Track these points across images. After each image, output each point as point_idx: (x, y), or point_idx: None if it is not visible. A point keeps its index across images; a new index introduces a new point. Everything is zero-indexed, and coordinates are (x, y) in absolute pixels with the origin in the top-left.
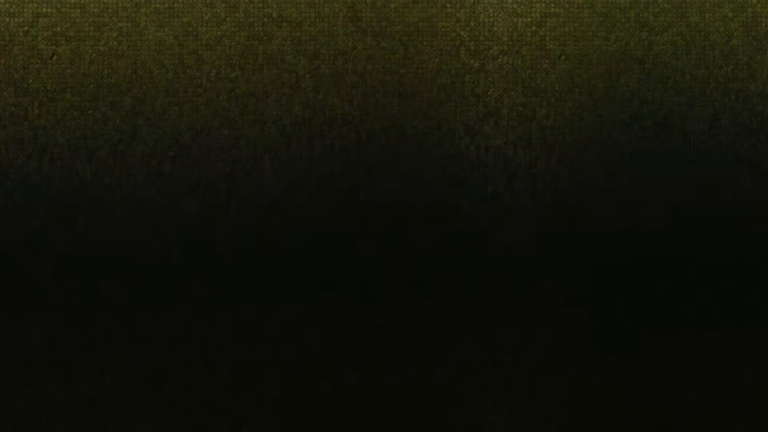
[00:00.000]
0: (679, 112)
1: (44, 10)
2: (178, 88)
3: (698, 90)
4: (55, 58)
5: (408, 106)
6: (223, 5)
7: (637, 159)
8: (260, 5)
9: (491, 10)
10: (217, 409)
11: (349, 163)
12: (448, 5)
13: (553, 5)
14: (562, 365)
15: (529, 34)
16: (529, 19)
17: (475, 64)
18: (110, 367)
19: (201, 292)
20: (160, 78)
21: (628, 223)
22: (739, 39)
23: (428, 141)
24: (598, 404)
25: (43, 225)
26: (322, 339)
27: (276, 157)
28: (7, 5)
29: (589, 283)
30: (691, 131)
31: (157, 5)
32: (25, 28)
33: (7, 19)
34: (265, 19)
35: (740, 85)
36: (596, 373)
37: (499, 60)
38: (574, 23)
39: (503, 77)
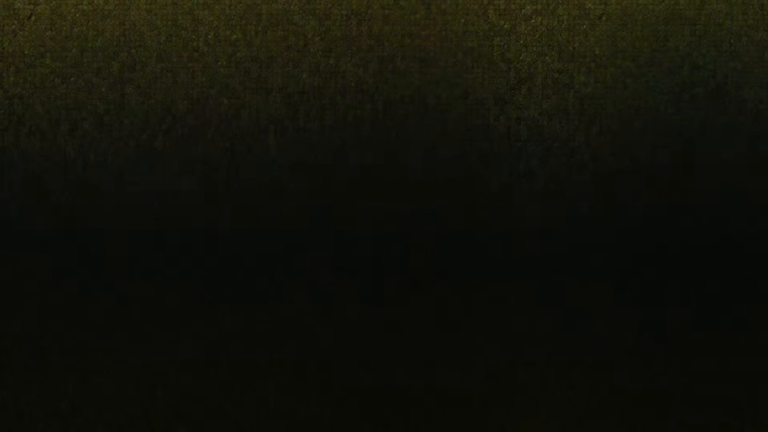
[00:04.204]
0: (735, 79)
1: None
2: (172, 53)
3: (756, 54)
4: (33, 18)
5: (430, 72)
6: None
7: (688, 132)
8: None
9: None
10: (216, 415)
11: (363, 137)
12: None
13: None
14: (602, 365)
15: None
16: None
17: (506, 26)
18: (96, 367)
19: (198, 283)
20: (152, 41)
21: (677, 204)
22: None
23: (453, 112)
24: (643, 409)
25: (20, 206)
26: (332, 336)
27: (282, 130)
28: None
29: (634, 272)
30: (748, 100)
31: None
32: None
33: None
34: None
35: None
36: (641, 374)
37: (533, 21)
38: None
39: (537, 40)
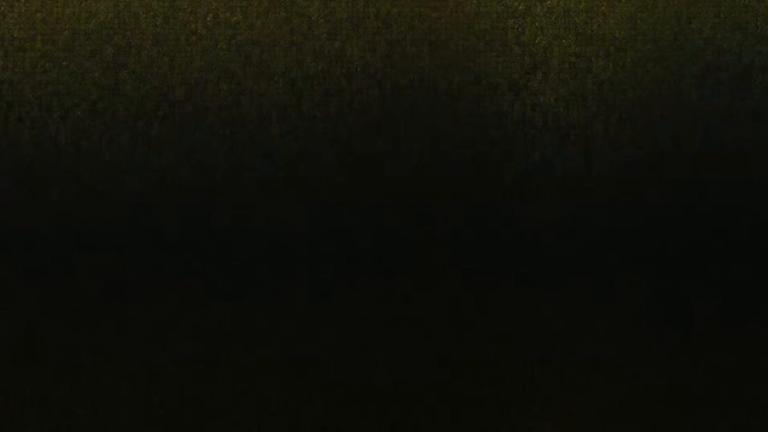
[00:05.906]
0: (760, 64)
1: None
2: (169, 36)
3: None
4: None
5: (440, 56)
6: None
7: (711, 119)
8: None
9: None
10: (214, 415)
11: (371, 123)
12: None
13: None
14: (623, 361)
15: None
16: None
17: (520, 7)
18: (89, 365)
19: (196, 278)
20: (148, 23)
21: (700, 194)
22: None
23: (464, 98)
24: (666, 407)
25: (10, 197)
26: (339, 332)
27: (284, 116)
28: None
29: (655, 265)
30: None
31: None
32: None
33: None
34: None
35: None
36: (663, 370)
37: (549, 2)
38: None
39: (553, 22)
